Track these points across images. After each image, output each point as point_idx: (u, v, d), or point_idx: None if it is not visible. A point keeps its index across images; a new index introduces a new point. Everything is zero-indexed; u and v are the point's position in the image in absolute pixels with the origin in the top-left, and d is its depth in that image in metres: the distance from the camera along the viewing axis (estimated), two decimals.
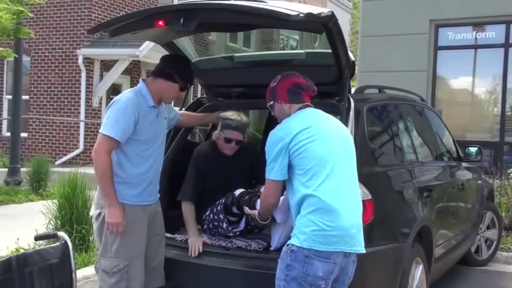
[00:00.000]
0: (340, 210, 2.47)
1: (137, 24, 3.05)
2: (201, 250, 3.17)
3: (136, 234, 3.02)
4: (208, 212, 3.42)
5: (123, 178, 3.00)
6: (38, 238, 2.68)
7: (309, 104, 2.71)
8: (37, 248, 2.53)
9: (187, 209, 3.40)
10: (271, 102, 2.75)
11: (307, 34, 20.53)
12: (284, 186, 2.67)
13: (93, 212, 3.20)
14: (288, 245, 2.52)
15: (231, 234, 3.32)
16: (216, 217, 3.35)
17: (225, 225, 3.31)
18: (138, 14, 3.04)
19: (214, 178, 3.47)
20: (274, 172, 2.58)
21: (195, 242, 3.23)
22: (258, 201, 3.01)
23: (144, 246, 3.08)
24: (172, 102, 3.42)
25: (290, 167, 2.56)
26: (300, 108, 2.67)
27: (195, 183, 3.44)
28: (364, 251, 2.55)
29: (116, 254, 2.97)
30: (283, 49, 19.86)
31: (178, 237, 3.46)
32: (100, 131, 2.94)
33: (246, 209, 3.09)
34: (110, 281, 2.99)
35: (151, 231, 3.14)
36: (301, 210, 2.50)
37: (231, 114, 3.41)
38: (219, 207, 3.33)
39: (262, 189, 3.26)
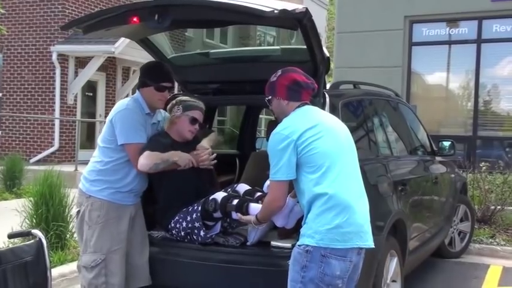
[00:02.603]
0: (354, 206, 2.46)
1: (111, 21, 3.02)
2: (194, 162, 3.13)
3: (113, 229, 3.07)
4: (178, 220, 3.19)
5: (105, 178, 3.09)
6: (11, 236, 2.64)
7: (307, 102, 2.66)
8: (11, 246, 2.48)
9: (153, 156, 3.05)
10: (269, 97, 2.70)
11: (284, 31, 20.55)
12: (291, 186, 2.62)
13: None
14: (300, 246, 2.45)
15: (209, 241, 3.15)
16: (190, 225, 3.14)
17: (202, 233, 3.13)
18: (112, 10, 3.02)
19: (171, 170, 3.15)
20: (281, 172, 2.48)
21: (189, 158, 3.12)
22: (251, 205, 2.93)
23: (124, 244, 3.11)
24: None
25: (297, 166, 2.49)
26: (298, 106, 2.63)
27: (157, 148, 3.11)
28: (373, 246, 2.55)
29: (94, 249, 3.04)
30: (260, 45, 19.89)
31: (154, 233, 3.45)
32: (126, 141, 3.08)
33: (239, 216, 2.94)
34: (88, 276, 3.04)
35: (132, 230, 3.17)
36: (313, 209, 2.44)
37: (189, 97, 3.36)
38: (194, 215, 3.12)
39: (239, 188, 3.25)
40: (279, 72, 2.68)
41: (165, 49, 3.78)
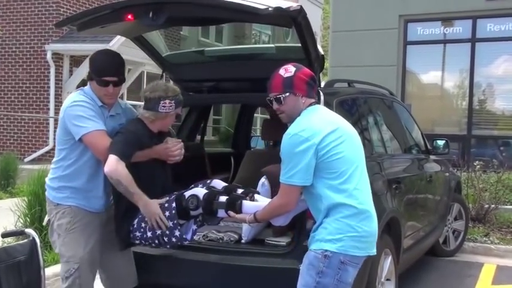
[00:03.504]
0: (372, 214, 2.45)
1: (106, 18, 3.02)
2: (167, 224, 2.76)
3: (85, 236, 2.87)
4: (142, 218, 2.81)
5: (69, 184, 2.88)
6: (4, 235, 2.64)
7: (316, 100, 2.58)
8: (4, 246, 2.47)
9: (125, 170, 2.67)
10: (287, 94, 2.47)
11: (279, 29, 20.59)
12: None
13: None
14: (317, 250, 2.38)
15: (186, 242, 2.86)
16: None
17: (177, 233, 2.79)
18: (107, 8, 3.01)
19: (146, 163, 2.90)
20: (298, 177, 2.36)
21: (158, 213, 2.75)
22: (245, 203, 2.71)
23: (97, 253, 2.92)
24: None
25: (315, 170, 2.39)
26: (310, 104, 2.51)
27: (132, 146, 2.77)
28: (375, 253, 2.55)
29: (67, 258, 2.87)
30: (255, 44, 19.87)
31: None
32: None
33: (231, 214, 2.69)
34: (62, 287, 2.88)
35: (106, 238, 2.96)
36: (333, 214, 2.38)
37: (174, 87, 2.98)
38: (167, 213, 2.77)
39: (215, 185, 2.90)
40: (291, 67, 2.50)
41: (159, 47, 3.78)
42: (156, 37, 3.75)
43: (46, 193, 2.98)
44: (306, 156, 2.33)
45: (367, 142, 3.91)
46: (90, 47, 11.75)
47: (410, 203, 4.27)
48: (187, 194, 2.78)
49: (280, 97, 2.49)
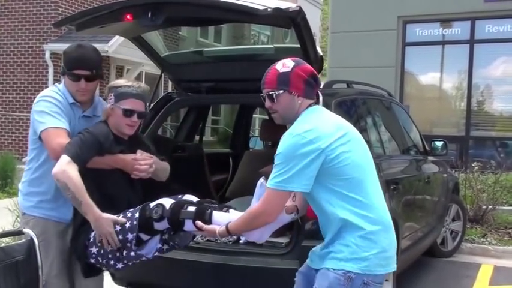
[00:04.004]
0: (391, 225, 2.19)
1: (104, 18, 3.02)
2: (117, 244, 2.41)
3: (53, 250, 2.62)
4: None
5: (38, 190, 2.64)
6: (2, 235, 2.63)
7: (316, 101, 2.26)
8: (1, 245, 2.46)
9: (76, 173, 2.35)
10: (280, 92, 2.17)
11: (278, 30, 20.57)
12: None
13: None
14: (338, 271, 2.09)
15: (143, 258, 2.49)
16: (120, 237, 2.41)
17: (133, 247, 2.41)
18: (106, 8, 3.01)
19: (111, 173, 2.57)
20: (295, 182, 2.06)
21: (110, 232, 2.39)
22: (216, 213, 2.34)
23: (67, 265, 2.66)
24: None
25: (320, 177, 2.10)
26: (310, 105, 2.21)
27: (89, 149, 2.44)
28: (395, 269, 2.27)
29: None
30: (254, 44, 19.88)
31: None
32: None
33: (199, 225, 2.30)
34: None
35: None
36: (352, 230, 2.08)
37: (125, 81, 2.65)
38: (127, 225, 2.39)
39: (187, 197, 2.51)
40: (290, 62, 2.21)
41: (158, 47, 3.78)
42: (154, 37, 3.76)
43: (18, 198, 2.75)
44: (307, 160, 2.05)
45: (365, 143, 3.92)
46: None
47: (408, 204, 4.27)
48: (153, 203, 2.43)
49: (273, 94, 2.19)
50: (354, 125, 3.89)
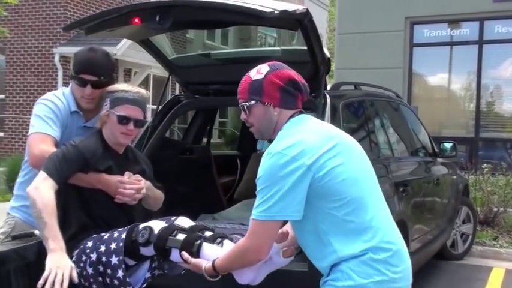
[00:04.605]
0: (401, 249, 1.82)
1: (113, 22, 3.02)
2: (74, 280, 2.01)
3: None
4: (84, 249, 2.18)
5: (24, 194, 2.38)
6: (15, 237, 2.63)
7: (302, 109, 1.93)
8: (14, 247, 2.46)
9: (49, 192, 2.10)
10: (252, 102, 1.88)
11: (285, 32, 20.62)
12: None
13: None
14: None
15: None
16: (104, 259, 2.12)
17: (120, 273, 2.10)
18: (114, 11, 3.02)
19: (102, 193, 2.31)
20: (284, 209, 1.73)
21: (66, 266, 2.02)
22: (206, 246, 2.04)
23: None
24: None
25: (310, 199, 1.77)
26: (292, 116, 1.89)
27: (70, 164, 2.20)
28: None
29: None
30: (261, 47, 19.91)
31: None
32: None
33: (185, 257, 2.01)
34: None
35: None
36: (351, 256, 1.76)
37: (123, 86, 2.41)
38: (111, 246, 2.12)
39: (180, 222, 2.21)
40: (265, 67, 1.91)
41: (166, 50, 3.78)
42: (162, 40, 3.76)
43: None
44: (292, 181, 1.71)
45: (373, 145, 3.91)
46: None
47: (417, 206, 4.25)
48: (142, 225, 2.16)
49: (244, 105, 1.91)
50: (362, 126, 3.96)
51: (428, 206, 4.66)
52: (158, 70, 14.02)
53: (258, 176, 1.78)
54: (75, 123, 2.50)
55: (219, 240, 2.13)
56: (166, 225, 2.15)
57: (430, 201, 4.70)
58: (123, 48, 11.65)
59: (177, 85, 13.68)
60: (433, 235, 4.73)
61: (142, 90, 2.42)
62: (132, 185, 2.28)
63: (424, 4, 9.11)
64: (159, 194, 2.54)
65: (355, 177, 1.80)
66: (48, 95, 2.51)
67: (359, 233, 1.76)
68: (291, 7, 2.73)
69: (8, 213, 2.62)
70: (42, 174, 2.15)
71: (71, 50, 12.07)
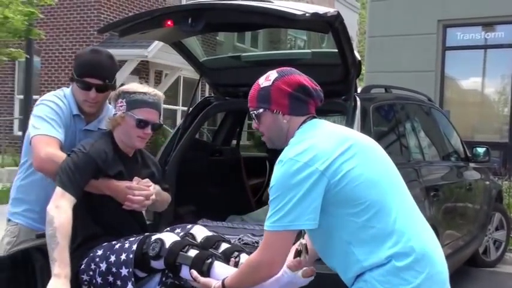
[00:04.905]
0: (431, 252, 1.72)
1: (146, 24, 3.08)
2: None
3: None
4: (93, 258, 2.14)
5: (25, 197, 2.43)
6: (39, 236, 2.57)
7: (314, 115, 1.88)
8: (37, 244, 2.32)
9: (68, 213, 2.05)
10: (260, 110, 1.84)
11: (315, 34, 20.58)
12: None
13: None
14: None
15: None
16: (114, 270, 2.08)
17: (130, 285, 2.05)
18: (147, 14, 3.08)
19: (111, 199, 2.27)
20: (298, 218, 1.64)
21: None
22: (217, 264, 1.99)
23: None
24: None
25: (328, 207, 1.69)
26: (305, 121, 1.84)
27: (85, 173, 2.13)
28: None
29: None
30: (291, 49, 19.89)
31: None
32: None
33: (194, 275, 1.95)
34: None
35: None
36: (375, 265, 1.67)
37: (140, 87, 2.30)
38: (122, 257, 2.07)
39: (195, 232, 2.20)
40: (274, 74, 1.86)
41: (197, 52, 3.83)
42: (193, 42, 3.81)
43: None
44: (305, 188, 1.64)
45: (404, 148, 3.87)
46: (129, 52, 12.04)
47: (448, 212, 4.18)
48: (154, 237, 2.10)
49: (252, 114, 1.88)
50: (393, 130, 3.92)
51: (459, 211, 4.58)
52: (188, 72, 14.16)
53: (270, 186, 1.72)
54: (77, 126, 2.40)
55: (236, 254, 2.07)
56: (178, 238, 2.09)
57: (461, 206, 4.62)
58: (155, 51, 11.82)
59: (207, 87, 13.80)
60: (465, 241, 4.64)
61: (159, 93, 2.35)
62: (141, 192, 2.22)
63: (457, 7, 8.96)
64: (166, 197, 2.48)
65: (374, 178, 1.71)
66: (49, 95, 2.40)
67: (382, 238, 1.66)
68: (321, 10, 2.73)
69: (9, 220, 2.45)
70: (59, 190, 2.07)
71: None
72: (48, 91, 10.06)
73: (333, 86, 3.41)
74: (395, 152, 3.79)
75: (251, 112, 1.88)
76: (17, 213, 2.41)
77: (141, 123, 2.23)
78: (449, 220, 4.21)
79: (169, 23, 2.97)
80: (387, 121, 3.87)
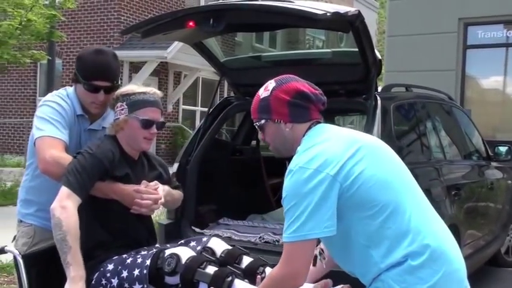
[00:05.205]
0: (447, 249, 1.71)
1: (168, 25, 3.14)
2: None
3: None
4: (104, 272, 2.07)
5: (35, 199, 2.41)
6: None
7: (319, 120, 1.86)
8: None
9: (75, 214, 2.00)
10: (262, 122, 1.84)
11: (333, 34, 20.53)
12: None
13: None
14: None
15: None
16: (126, 285, 2.02)
17: None
18: (170, 15, 3.14)
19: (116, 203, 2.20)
20: (316, 226, 1.62)
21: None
22: (237, 283, 1.94)
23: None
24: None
25: (344, 212, 1.69)
26: (310, 127, 1.83)
27: (92, 175, 2.08)
28: None
29: None
30: (309, 49, 19.87)
31: (207, 232, 3.54)
32: None
33: None
34: None
35: None
36: (391, 265, 1.66)
37: (137, 87, 2.26)
38: (135, 272, 2.01)
39: (212, 245, 2.15)
40: (272, 83, 1.84)
41: (216, 52, 3.87)
42: (213, 43, 3.86)
43: None
44: (319, 195, 1.63)
45: (425, 147, 3.86)
46: (149, 54, 12.17)
47: (470, 211, 4.16)
48: (168, 251, 2.03)
49: (256, 125, 1.88)
50: (413, 129, 3.91)
51: (481, 210, 4.54)
52: (207, 73, 14.26)
53: (283, 197, 1.69)
54: (81, 126, 2.36)
55: (261, 269, 2.04)
56: (194, 253, 2.03)
57: (483, 205, 4.59)
58: (174, 52, 11.92)
59: (225, 88, 13.87)
60: (486, 241, 4.60)
61: (157, 91, 2.31)
62: (150, 195, 2.16)
63: (478, 4, 8.85)
64: (178, 195, 2.44)
65: (386, 179, 1.70)
66: (52, 96, 2.35)
67: (399, 238, 1.65)
68: (342, 9, 2.75)
69: (21, 221, 2.43)
70: (65, 190, 2.02)
71: (123, 54, 12.46)
72: None
73: (354, 85, 3.43)
74: (417, 150, 3.78)
75: (255, 124, 1.89)
76: (29, 214, 2.39)
77: (146, 124, 2.19)
78: (471, 219, 4.18)
79: (191, 23, 3.02)
80: (408, 120, 3.86)
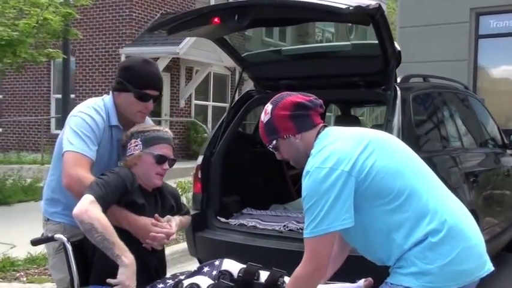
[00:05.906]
0: (464, 226, 1.84)
1: (193, 22, 3.24)
2: None
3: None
4: None
5: (61, 199, 2.43)
6: (36, 242, 2.37)
7: (325, 123, 2.01)
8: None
9: (101, 214, 2.03)
10: (274, 142, 1.97)
11: (343, 27, 20.50)
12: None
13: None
14: (397, 286, 1.81)
15: None
16: None
17: None
18: (195, 13, 3.24)
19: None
20: (335, 220, 1.76)
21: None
22: None
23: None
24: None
25: (362, 204, 1.82)
26: (319, 132, 1.95)
27: (116, 194, 2.12)
28: (492, 269, 1.95)
29: (57, 282, 2.46)
30: (319, 42, 19.89)
31: (232, 221, 3.67)
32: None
33: None
34: None
35: None
36: (413, 244, 1.78)
37: (150, 126, 2.38)
38: None
39: (228, 267, 2.15)
40: (269, 106, 1.98)
41: (237, 47, 3.97)
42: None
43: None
44: (336, 191, 1.76)
45: (442, 136, 3.95)
46: (161, 50, 12.28)
47: (487, 198, 4.24)
48: (186, 282, 2.05)
49: (270, 148, 2.02)
50: (430, 118, 3.99)
51: (497, 197, 4.62)
52: (218, 68, 14.37)
53: (302, 196, 1.82)
54: (114, 136, 2.38)
55: (281, 280, 2.08)
56: (211, 281, 2.05)
57: (499, 193, 4.67)
58: (186, 47, 12.03)
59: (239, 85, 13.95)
60: (502, 227, 4.68)
61: (167, 129, 2.39)
62: (164, 229, 2.20)
63: None
64: (186, 222, 2.49)
65: (397, 168, 1.83)
66: (87, 107, 2.35)
67: (418, 219, 1.78)
68: (363, 2, 2.84)
69: (48, 219, 2.46)
70: (88, 197, 2.03)
71: (136, 50, 12.60)
72: (83, 90, 10.45)
73: (373, 76, 3.52)
74: (435, 139, 3.87)
75: (268, 147, 2.01)
76: (56, 212, 2.43)
77: (160, 159, 2.24)
78: (488, 206, 4.26)
79: (216, 20, 3.12)
80: (426, 109, 3.95)
